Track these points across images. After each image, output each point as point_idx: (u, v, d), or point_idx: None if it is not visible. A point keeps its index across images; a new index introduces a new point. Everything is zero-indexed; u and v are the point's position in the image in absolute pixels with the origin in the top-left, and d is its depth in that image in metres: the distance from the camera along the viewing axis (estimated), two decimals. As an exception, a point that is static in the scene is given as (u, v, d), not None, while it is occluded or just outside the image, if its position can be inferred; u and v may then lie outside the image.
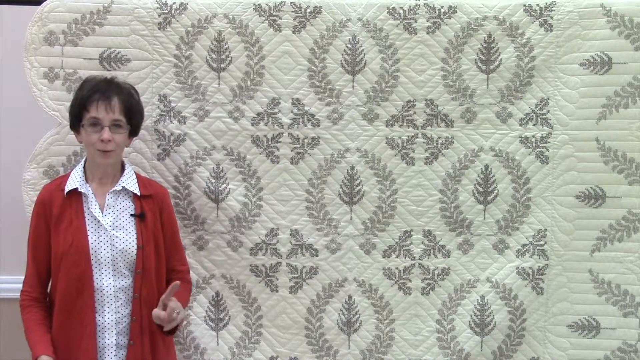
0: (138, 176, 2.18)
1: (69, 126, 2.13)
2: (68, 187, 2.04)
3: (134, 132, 2.15)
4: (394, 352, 2.49)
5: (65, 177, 2.10)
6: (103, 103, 2.01)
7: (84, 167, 2.10)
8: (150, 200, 2.14)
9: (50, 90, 2.37)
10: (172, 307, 1.98)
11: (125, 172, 2.14)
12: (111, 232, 2.04)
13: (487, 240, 2.48)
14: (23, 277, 2.10)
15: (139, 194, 2.12)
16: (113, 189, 2.08)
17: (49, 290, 2.11)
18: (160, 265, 2.14)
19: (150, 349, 2.09)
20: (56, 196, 2.05)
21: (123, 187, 2.10)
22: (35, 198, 2.33)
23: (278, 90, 2.42)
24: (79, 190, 2.04)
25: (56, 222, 2.03)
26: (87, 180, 2.08)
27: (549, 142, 2.44)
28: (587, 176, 2.42)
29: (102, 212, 2.05)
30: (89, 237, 2.01)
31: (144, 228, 2.09)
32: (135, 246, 2.06)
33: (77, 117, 2.04)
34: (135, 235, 2.07)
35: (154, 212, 2.14)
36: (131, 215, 2.09)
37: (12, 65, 2.65)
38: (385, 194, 2.46)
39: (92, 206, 2.04)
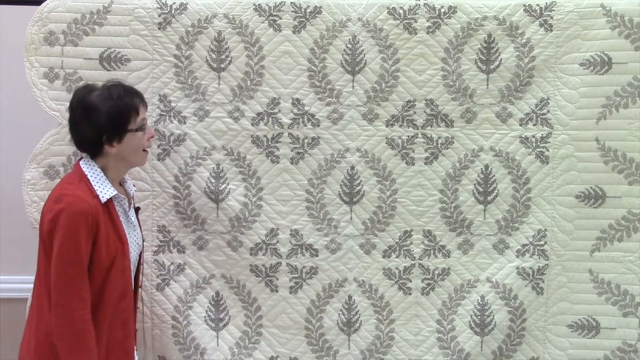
0: None
1: (89, 143, 1.99)
2: (106, 194, 1.95)
3: None
4: (394, 352, 2.49)
5: (83, 183, 1.95)
6: (144, 104, 2.05)
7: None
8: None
9: (50, 90, 2.37)
10: None
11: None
12: (136, 231, 2.10)
13: (487, 240, 2.48)
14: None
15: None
16: (136, 189, 2.17)
17: None
18: None
19: None
20: (95, 204, 1.93)
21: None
22: (35, 198, 2.34)
23: (278, 90, 2.42)
24: (118, 195, 2.01)
25: (103, 230, 1.93)
26: None
27: (549, 142, 2.44)
28: (587, 176, 2.42)
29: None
30: (128, 240, 2.03)
31: (140, 221, 2.18)
32: (142, 240, 2.15)
33: (124, 126, 1.96)
34: (139, 230, 2.15)
35: (139, 206, 2.25)
36: (135, 209, 2.16)
37: (12, 65, 2.66)
38: (385, 194, 2.46)
39: (127, 209, 2.06)
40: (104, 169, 2.00)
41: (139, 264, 2.16)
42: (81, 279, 1.88)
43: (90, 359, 1.88)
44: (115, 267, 1.95)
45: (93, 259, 1.91)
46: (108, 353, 1.97)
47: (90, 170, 1.98)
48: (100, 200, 1.93)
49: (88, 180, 1.95)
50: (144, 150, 2.06)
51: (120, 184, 2.11)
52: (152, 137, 2.08)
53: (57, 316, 1.86)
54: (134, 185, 2.19)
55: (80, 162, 2.01)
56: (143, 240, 2.18)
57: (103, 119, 1.94)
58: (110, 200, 1.98)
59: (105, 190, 1.96)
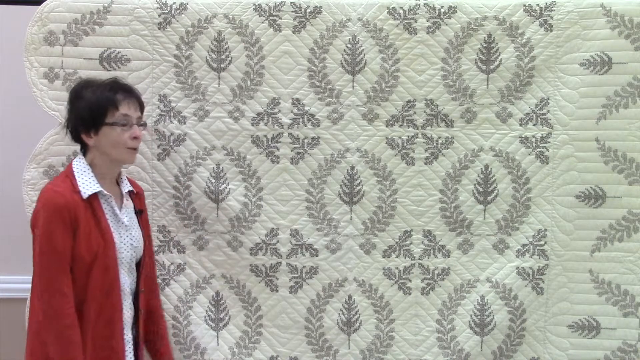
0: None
1: (71, 129, 2.05)
2: (88, 190, 1.97)
3: None
4: (394, 352, 2.49)
5: (68, 179, 2.00)
6: (132, 102, 2.05)
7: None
8: (139, 197, 2.21)
9: (50, 90, 2.37)
10: None
11: (121, 172, 2.17)
12: (130, 232, 2.07)
13: (487, 240, 2.48)
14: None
15: (134, 191, 2.18)
16: (128, 189, 2.13)
17: None
18: (151, 260, 2.22)
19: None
20: (75, 199, 1.94)
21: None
22: (35, 198, 2.33)
23: (278, 90, 2.42)
24: (104, 192, 2.01)
25: (84, 226, 1.94)
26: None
27: (549, 142, 2.44)
28: (587, 176, 2.42)
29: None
30: (115, 239, 2.01)
31: (142, 224, 2.16)
32: (143, 242, 2.13)
33: (100, 116, 1.99)
34: (140, 232, 2.13)
35: (142, 208, 2.22)
36: (135, 212, 2.14)
37: (12, 65, 2.66)
38: (385, 194, 2.46)
39: (115, 207, 2.04)
40: (92, 165, 2.03)
41: (141, 267, 2.13)
42: (60, 273, 1.90)
43: (74, 351, 1.89)
44: (97, 265, 1.95)
45: (74, 254, 1.93)
46: (95, 349, 1.96)
47: (79, 166, 2.02)
48: (82, 196, 1.95)
49: (74, 176, 1.99)
50: (129, 148, 2.03)
51: (118, 184, 2.12)
52: (135, 137, 2.03)
53: (41, 311, 1.89)
54: (130, 185, 2.16)
55: (74, 159, 2.05)
56: (146, 244, 2.16)
57: (82, 108, 2.00)
58: (95, 197, 1.99)
59: (87, 186, 1.97)
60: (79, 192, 1.96)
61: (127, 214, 2.09)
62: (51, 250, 1.90)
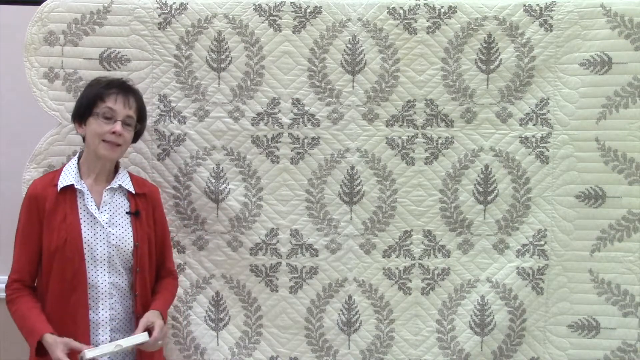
0: (131, 175, 2.21)
1: (70, 118, 2.15)
2: (62, 183, 2.04)
3: (135, 137, 2.18)
4: (394, 352, 2.49)
5: (57, 172, 2.10)
6: (122, 98, 2.07)
7: (78, 164, 2.10)
8: (144, 198, 2.17)
9: (50, 90, 2.37)
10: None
11: (120, 170, 2.16)
12: (107, 229, 2.05)
13: (487, 240, 2.48)
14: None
15: (134, 192, 2.14)
16: (110, 186, 2.10)
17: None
18: (152, 264, 2.17)
19: None
20: (49, 191, 2.03)
21: (119, 184, 2.11)
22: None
23: (278, 90, 2.43)
24: (75, 186, 2.04)
25: (49, 217, 2.01)
26: (81, 177, 2.08)
27: (549, 142, 2.44)
28: (587, 176, 2.42)
29: (98, 209, 2.06)
30: (84, 234, 2.01)
31: (139, 226, 2.11)
32: (132, 244, 2.08)
33: (88, 107, 2.05)
34: (131, 233, 2.09)
35: (147, 210, 2.16)
36: (127, 212, 2.10)
37: (12, 65, 2.65)
38: (385, 194, 2.46)
39: (88, 203, 2.04)
40: (83, 161, 2.10)
41: (134, 269, 2.08)
42: (20, 255, 2.03)
43: (21, 321, 1.99)
44: (58, 256, 1.99)
45: (43, 243, 2.02)
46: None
47: (71, 162, 2.12)
48: (57, 189, 2.04)
49: (61, 170, 2.09)
50: (106, 141, 2.03)
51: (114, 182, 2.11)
52: (114, 132, 2.02)
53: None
54: (130, 184, 2.13)
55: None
56: (137, 245, 2.08)
57: (78, 100, 2.12)
58: (72, 191, 2.04)
59: (63, 180, 2.05)
60: (56, 185, 2.04)
61: (108, 211, 2.07)
62: (17, 235, 2.05)
